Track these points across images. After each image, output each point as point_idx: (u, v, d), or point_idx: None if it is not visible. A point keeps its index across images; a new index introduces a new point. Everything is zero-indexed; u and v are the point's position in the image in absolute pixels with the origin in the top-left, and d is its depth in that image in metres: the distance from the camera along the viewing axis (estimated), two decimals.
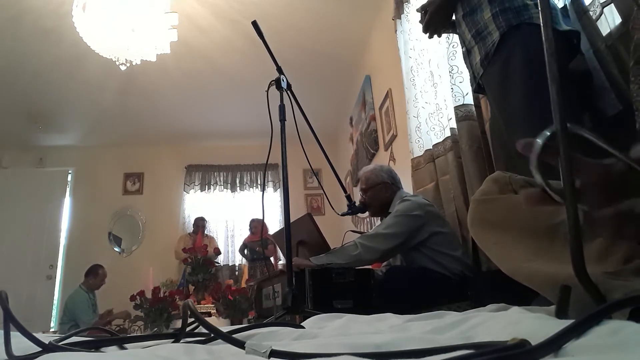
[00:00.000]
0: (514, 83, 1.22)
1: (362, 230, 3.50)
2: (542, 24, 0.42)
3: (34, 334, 0.50)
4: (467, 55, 1.45)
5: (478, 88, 1.46)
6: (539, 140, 0.38)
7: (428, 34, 1.53)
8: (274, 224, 5.62)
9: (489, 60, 1.31)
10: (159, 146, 6.05)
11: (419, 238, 1.84)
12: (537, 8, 1.23)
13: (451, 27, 1.54)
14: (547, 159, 0.38)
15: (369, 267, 1.96)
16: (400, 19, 2.82)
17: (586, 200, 0.36)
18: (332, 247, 1.92)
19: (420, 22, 1.53)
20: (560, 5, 1.42)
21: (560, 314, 0.41)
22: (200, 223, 5.53)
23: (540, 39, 0.42)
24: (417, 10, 1.54)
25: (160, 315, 3.05)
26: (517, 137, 1.29)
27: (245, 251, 5.23)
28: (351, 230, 2.28)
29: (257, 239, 4.95)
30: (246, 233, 5.47)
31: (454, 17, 1.50)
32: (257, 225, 5.14)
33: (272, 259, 5.02)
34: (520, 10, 1.26)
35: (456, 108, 2.00)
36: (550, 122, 0.40)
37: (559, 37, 1.21)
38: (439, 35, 1.58)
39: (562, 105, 0.39)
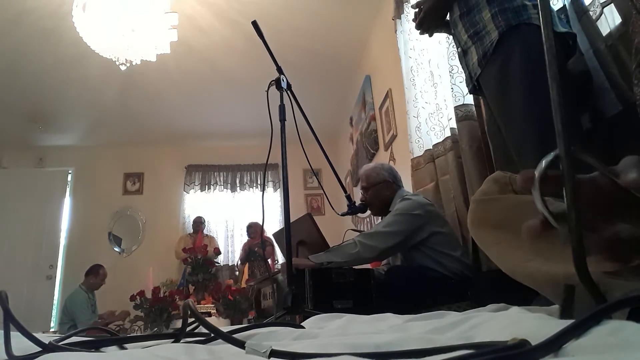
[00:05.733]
0: (513, 83, 1.21)
1: (362, 230, 3.50)
2: (542, 25, 0.42)
3: (34, 334, 0.50)
4: (463, 55, 1.44)
5: (474, 89, 1.45)
6: (542, 164, 0.38)
7: (420, 31, 1.53)
8: (274, 224, 5.61)
9: (487, 60, 1.30)
10: (159, 146, 6.06)
11: (419, 237, 1.83)
12: (536, 9, 1.23)
13: (444, 27, 1.53)
14: (549, 187, 0.38)
15: (369, 266, 1.96)
16: (400, 19, 2.82)
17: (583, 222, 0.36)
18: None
19: (414, 20, 1.52)
20: (559, 5, 1.42)
21: (564, 315, 0.41)
22: (197, 222, 5.53)
23: (539, 39, 0.42)
24: (412, 7, 1.54)
25: (160, 315, 3.06)
26: (515, 138, 1.28)
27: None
28: (351, 229, 2.28)
29: (257, 242, 4.94)
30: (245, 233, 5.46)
31: (447, 17, 1.50)
32: (255, 229, 5.15)
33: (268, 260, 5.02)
34: (519, 10, 1.26)
35: (456, 108, 2.00)
36: (547, 122, 0.40)
37: (556, 39, 1.21)
38: (430, 35, 1.57)
39: (563, 105, 0.39)
